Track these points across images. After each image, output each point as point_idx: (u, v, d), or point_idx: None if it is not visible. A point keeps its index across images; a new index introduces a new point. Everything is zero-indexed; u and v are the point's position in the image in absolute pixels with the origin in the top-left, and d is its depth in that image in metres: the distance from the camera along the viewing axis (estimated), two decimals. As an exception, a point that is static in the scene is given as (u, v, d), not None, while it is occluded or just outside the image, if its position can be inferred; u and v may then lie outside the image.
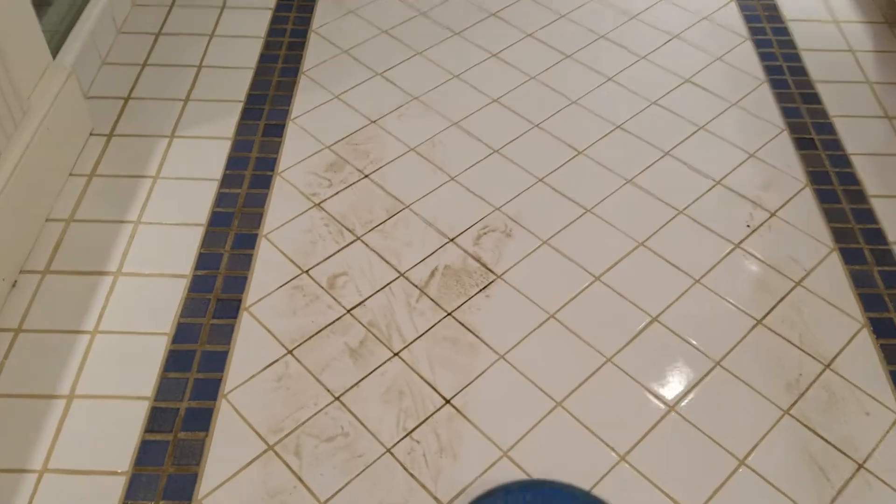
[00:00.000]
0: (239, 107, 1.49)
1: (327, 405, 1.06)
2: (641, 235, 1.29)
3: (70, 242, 1.25)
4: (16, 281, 1.18)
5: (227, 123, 1.46)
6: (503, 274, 1.23)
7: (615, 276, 1.23)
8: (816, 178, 1.41)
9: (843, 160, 1.45)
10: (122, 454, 1.00)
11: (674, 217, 1.33)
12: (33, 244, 1.24)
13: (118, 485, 0.97)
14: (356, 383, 1.08)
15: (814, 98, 1.59)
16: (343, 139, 1.45)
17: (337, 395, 1.07)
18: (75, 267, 1.21)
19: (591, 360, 1.12)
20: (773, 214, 1.34)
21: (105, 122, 1.44)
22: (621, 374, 1.11)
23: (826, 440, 1.03)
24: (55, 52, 1.41)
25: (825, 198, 1.37)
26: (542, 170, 1.40)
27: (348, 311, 1.17)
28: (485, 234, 1.29)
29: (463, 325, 1.16)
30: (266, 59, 1.60)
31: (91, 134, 1.42)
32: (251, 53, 1.61)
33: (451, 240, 1.28)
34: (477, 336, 1.15)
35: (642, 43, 1.69)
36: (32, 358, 1.09)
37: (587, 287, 1.22)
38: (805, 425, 1.05)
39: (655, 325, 1.17)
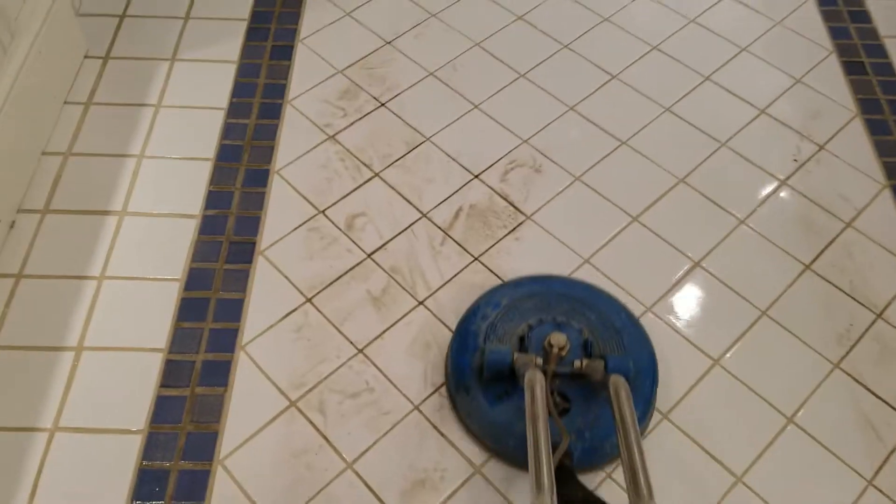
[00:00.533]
0: (243, 26, 1.38)
1: (350, 358, 1.00)
2: (681, 171, 1.21)
3: (69, 178, 1.16)
4: (13, 221, 1.11)
5: (232, 45, 1.35)
6: (533, 214, 1.15)
7: (654, 217, 1.15)
8: (867, 106, 1.31)
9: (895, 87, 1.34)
10: (138, 411, 0.95)
11: (716, 150, 1.24)
12: (30, 180, 1.15)
13: (134, 444, 0.92)
14: (380, 335, 1.02)
15: (863, 16, 1.46)
16: (356, 62, 1.34)
17: (360, 347, 1.01)
18: (77, 206, 1.13)
19: (630, 309, 1.06)
20: (821, 147, 1.25)
21: (100, 44, 1.33)
22: (660, 322, 1.04)
23: (878, 396, 0.98)
24: (40, -35, 1.28)
25: (876, 129, 1.28)
26: (573, 97, 1.30)
27: (369, 256, 1.10)
28: (512, 169, 1.20)
29: (491, 270, 1.09)
30: (271, -30, 1.47)
31: (85, 56, 1.31)
32: (254, -35, 1.48)
33: (476, 176, 1.20)
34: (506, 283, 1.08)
35: (680, -48, 1.55)
36: (36, 306, 1.03)
37: (623, 229, 1.14)
38: (856, 380, 0.99)
39: (697, 270, 1.10)
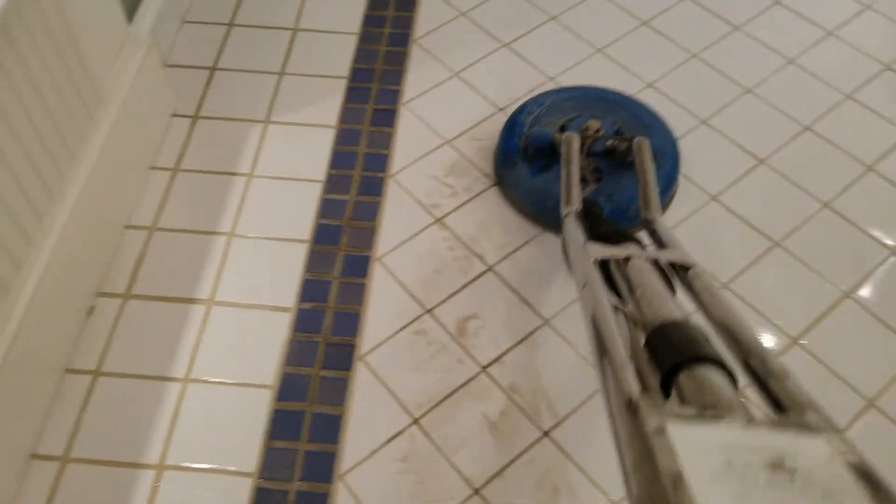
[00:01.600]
0: (342, 84, 1.26)
1: (466, 500, 0.87)
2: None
3: (154, 257, 1.05)
4: (93, 307, 1.00)
5: (330, 107, 1.23)
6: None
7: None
8: None
9: None
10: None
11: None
12: (112, 259, 1.05)
13: None
14: (499, 472, 0.89)
15: None
16: (465, 132, 1.21)
17: (476, 486, 0.88)
18: (161, 290, 1.02)
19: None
20: None
21: (188, 100, 1.22)
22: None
23: None
24: (130, 15, 1.18)
25: None
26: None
27: (484, 369, 0.97)
28: (643, 268, 1.06)
29: (623, 394, 0.95)
30: (371, 20, 1.35)
31: (173, 115, 1.21)
32: (354, 12, 1.36)
33: (603, 274, 1.06)
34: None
35: None
36: (113, 411, 0.92)
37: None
38: None
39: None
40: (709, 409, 0.45)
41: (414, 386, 0.96)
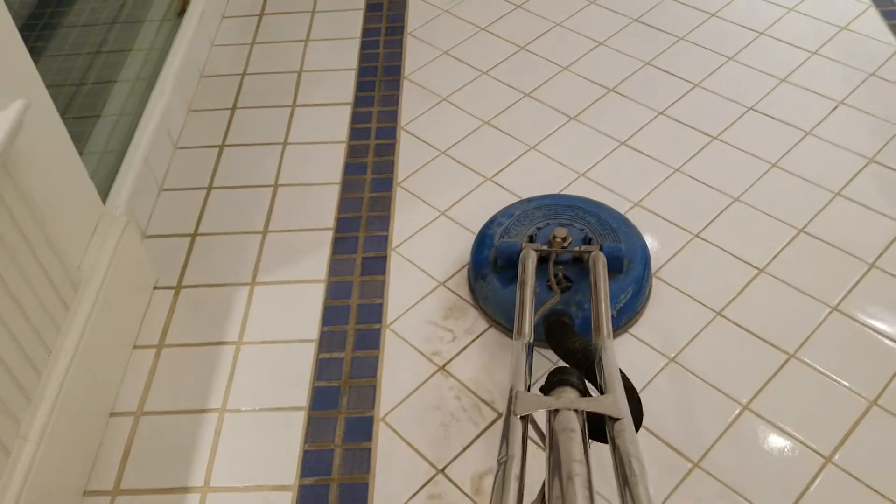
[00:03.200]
0: (328, 236, 1.22)
1: None
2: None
3: (141, 447, 0.98)
4: (77, 510, 0.92)
5: (318, 261, 1.19)
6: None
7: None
8: None
9: None
10: None
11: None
12: (97, 453, 0.97)
13: None
14: None
15: None
16: (459, 272, 1.17)
17: None
18: (151, 483, 0.94)
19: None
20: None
21: (170, 271, 1.18)
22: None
23: None
24: (105, 192, 1.16)
25: None
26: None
27: None
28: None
29: (665, 546, 0.87)
30: (352, 169, 1.34)
31: (154, 287, 1.16)
32: (334, 163, 1.35)
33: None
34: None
35: None
36: None
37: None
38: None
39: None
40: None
41: (435, 562, 0.87)
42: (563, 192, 1.25)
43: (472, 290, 1.14)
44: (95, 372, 0.98)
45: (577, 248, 1.06)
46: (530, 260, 1.01)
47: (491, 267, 1.10)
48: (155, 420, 1.01)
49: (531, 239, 1.11)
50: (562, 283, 1.06)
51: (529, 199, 1.20)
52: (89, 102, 1.26)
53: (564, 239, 1.07)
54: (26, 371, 0.84)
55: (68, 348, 0.92)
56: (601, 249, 1.05)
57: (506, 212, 1.18)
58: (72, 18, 1.28)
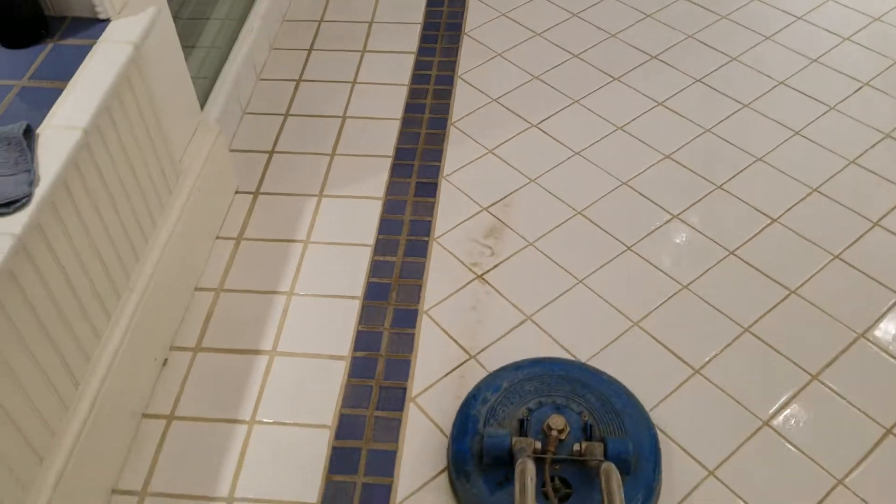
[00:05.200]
0: (388, 163, 1.39)
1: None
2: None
3: (221, 315, 1.16)
4: (166, 359, 1.10)
5: (377, 182, 1.35)
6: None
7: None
8: None
9: None
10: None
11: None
12: (183, 317, 1.15)
13: None
14: None
15: None
16: (501, 200, 1.32)
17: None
18: (228, 344, 1.12)
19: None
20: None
21: (250, 180, 1.36)
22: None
23: None
24: (201, 105, 1.34)
25: None
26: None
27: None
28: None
29: (659, 428, 1.01)
30: (412, 108, 1.50)
31: (236, 192, 1.34)
32: (396, 102, 1.51)
33: (636, 323, 1.14)
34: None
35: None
36: (187, 451, 1.00)
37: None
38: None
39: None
40: None
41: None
42: (556, 358, 1.08)
43: (452, 485, 0.96)
44: (186, 251, 1.16)
45: (576, 447, 0.91)
46: (528, 476, 0.85)
47: (475, 463, 0.94)
48: (233, 296, 1.18)
49: (521, 426, 0.95)
50: (559, 490, 0.91)
51: (518, 367, 1.04)
52: (187, 32, 1.44)
53: (561, 431, 0.92)
54: (136, 236, 1.02)
55: (169, 224, 1.10)
56: (606, 450, 0.90)
57: (492, 384, 1.02)
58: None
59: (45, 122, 0.85)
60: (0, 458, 0.76)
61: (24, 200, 0.76)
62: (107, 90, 0.89)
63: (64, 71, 0.90)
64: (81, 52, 0.93)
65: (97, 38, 0.94)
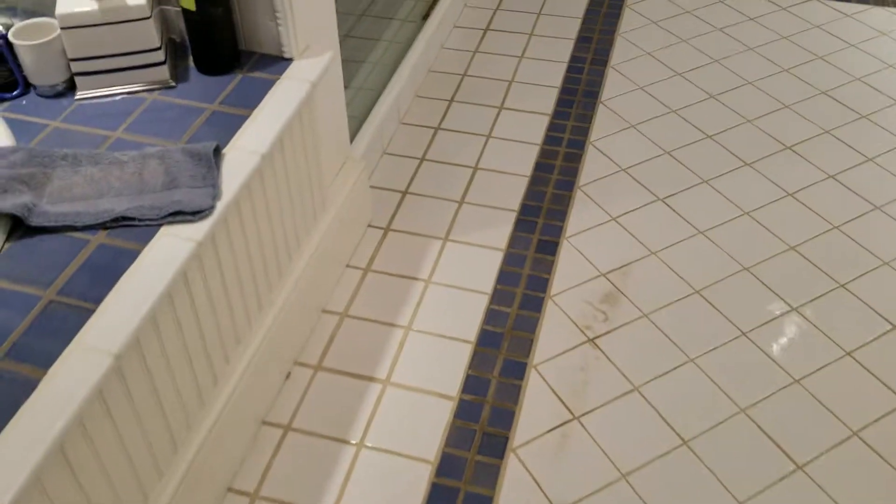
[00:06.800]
0: (512, 216, 1.44)
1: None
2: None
3: (343, 339, 1.23)
4: (290, 373, 1.18)
5: (500, 233, 1.41)
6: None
7: None
8: None
9: None
10: None
11: None
12: (309, 336, 1.23)
13: None
14: (635, 570, 0.95)
15: None
16: (619, 268, 1.35)
17: (613, 579, 0.94)
18: (347, 367, 1.19)
19: None
20: None
21: (383, 215, 1.44)
22: None
23: None
24: (350, 140, 1.44)
25: None
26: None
27: (623, 477, 1.05)
28: (781, 408, 1.13)
29: None
30: (542, 167, 1.55)
31: (369, 226, 1.42)
32: (527, 160, 1.57)
33: (743, 410, 1.14)
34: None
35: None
36: (297, 463, 1.07)
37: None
38: None
39: None
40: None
41: (560, 480, 1.05)
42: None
43: None
44: (319, 275, 1.24)
45: None
46: None
47: None
48: (356, 323, 1.25)
49: None
50: None
51: None
52: (345, 73, 1.55)
53: None
54: (283, 259, 1.11)
55: (311, 248, 1.19)
56: None
57: None
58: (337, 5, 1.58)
59: (230, 143, 0.94)
60: (146, 440, 0.84)
61: (207, 212, 0.85)
62: (285, 121, 0.98)
63: (250, 100, 1.01)
64: (266, 85, 1.03)
65: (281, 73, 1.05)
